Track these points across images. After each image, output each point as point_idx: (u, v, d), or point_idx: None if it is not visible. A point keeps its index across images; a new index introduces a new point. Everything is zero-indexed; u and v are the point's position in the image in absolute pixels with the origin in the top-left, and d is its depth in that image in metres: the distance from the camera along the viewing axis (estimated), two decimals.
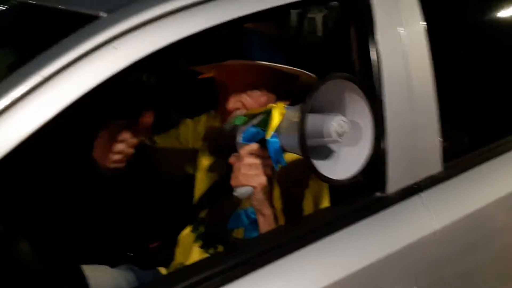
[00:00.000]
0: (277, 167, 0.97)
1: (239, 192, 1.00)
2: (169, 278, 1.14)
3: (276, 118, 0.95)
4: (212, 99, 1.32)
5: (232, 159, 1.03)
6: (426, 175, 1.06)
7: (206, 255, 1.25)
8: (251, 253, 0.95)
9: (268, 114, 0.97)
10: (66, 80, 0.77)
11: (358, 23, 1.06)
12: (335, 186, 1.03)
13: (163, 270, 1.46)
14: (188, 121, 1.39)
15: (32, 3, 1.12)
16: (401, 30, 1.05)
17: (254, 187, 0.98)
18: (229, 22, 0.90)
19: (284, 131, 0.94)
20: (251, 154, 0.99)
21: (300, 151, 0.87)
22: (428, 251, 1.02)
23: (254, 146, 0.99)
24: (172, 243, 1.49)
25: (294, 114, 0.92)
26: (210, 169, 1.35)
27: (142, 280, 1.42)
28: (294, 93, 1.15)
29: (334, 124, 0.88)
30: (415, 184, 1.05)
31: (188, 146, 1.38)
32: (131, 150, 1.08)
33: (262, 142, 0.98)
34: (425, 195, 1.05)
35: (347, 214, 0.99)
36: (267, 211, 1.03)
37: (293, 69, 1.11)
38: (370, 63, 1.02)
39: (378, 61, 1.01)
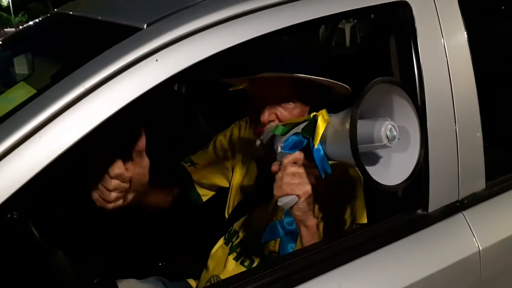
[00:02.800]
0: (323, 175, 0.93)
1: (283, 201, 0.97)
2: None
3: (322, 126, 0.92)
4: (241, 110, 1.32)
5: (274, 168, 1.00)
6: (469, 192, 1.03)
7: (242, 267, 1.23)
8: (289, 269, 0.93)
9: (312, 122, 0.95)
10: (108, 92, 0.76)
11: (399, 34, 1.04)
12: (385, 193, 0.99)
13: (192, 282, 1.45)
14: (220, 134, 1.38)
15: (73, 14, 1.13)
16: (443, 40, 1.02)
17: (298, 196, 0.96)
18: (266, 35, 0.89)
19: (330, 139, 0.92)
20: (295, 162, 0.96)
21: (350, 158, 0.84)
22: (471, 271, 0.98)
23: (297, 154, 0.96)
24: (200, 255, 1.49)
25: (340, 120, 0.90)
26: (244, 180, 1.34)
27: None
28: (326, 104, 1.13)
29: (384, 128, 0.85)
30: (458, 202, 1.02)
31: (226, 158, 1.36)
32: (126, 185, 0.94)
33: (304, 151, 0.96)
34: (468, 213, 1.02)
35: (387, 231, 0.96)
36: (311, 221, 1.00)
37: (327, 80, 1.09)
38: (413, 74, 0.99)
39: (419, 71, 0.99)
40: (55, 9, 1.47)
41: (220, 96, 1.37)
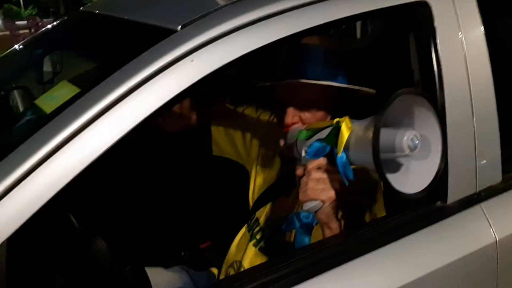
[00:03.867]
0: (347, 182, 0.97)
1: (308, 206, 1.01)
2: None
3: (345, 134, 0.96)
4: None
5: (299, 172, 1.05)
6: (486, 185, 1.07)
7: (260, 254, 1.29)
8: (309, 260, 0.97)
9: (336, 129, 0.98)
10: (149, 91, 0.82)
11: (418, 32, 1.07)
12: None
13: (215, 271, 1.51)
14: (252, 109, 1.43)
15: (104, 14, 1.18)
16: (461, 36, 1.05)
17: (323, 201, 1.00)
18: (294, 35, 0.93)
19: (353, 146, 0.95)
20: (319, 168, 1.00)
21: (372, 165, 0.87)
22: (489, 261, 1.02)
23: (322, 161, 1.00)
24: (221, 244, 1.54)
25: (363, 128, 0.93)
26: (267, 171, 1.39)
27: (196, 281, 1.47)
28: (349, 107, 1.17)
29: (407, 138, 0.88)
30: (476, 194, 1.06)
31: (246, 135, 1.42)
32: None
33: (328, 157, 1.00)
34: (485, 205, 1.06)
35: (408, 223, 1.01)
36: (334, 225, 1.04)
37: (351, 86, 1.13)
38: (432, 71, 1.03)
39: (439, 69, 1.02)
40: (81, 7, 1.52)
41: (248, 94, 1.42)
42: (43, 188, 0.73)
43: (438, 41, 1.03)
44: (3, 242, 0.70)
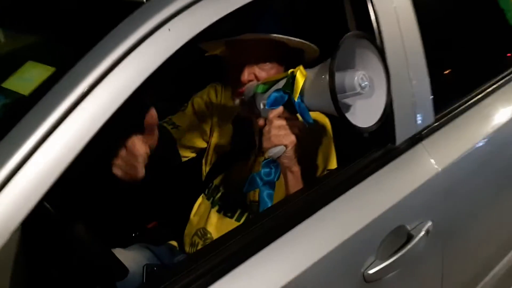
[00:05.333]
0: (307, 125, 1.06)
1: (273, 152, 1.08)
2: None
3: (300, 81, 1.03)
4: (215, 75, 1.39)
5: (261, 122, 1.11)
6: (424, 125, 1.22)
7: (226, 218, 1.35)
8: (276, 220, 1.02)
9: (291, 78, 1.05)
10: (132, 63, 0.82)
11: None
12: (360, 134, 1.09)
13: (174, 243, 1.54)
14: (197, 96, 1.46)
15: None
16: None
17: (286, 145, 1.07)
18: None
19: (309, 91, 1.03)
20: (279, 116, 1.07)
21: (330, 106, 0.96)
22: (435, 189, 1.18)
23: (281, 109, 1.07)
24: (174, 219, 1.56)
25: (316, 74, 1.01)
26: (221, 140, 1.43)
27: (159, 254, 1.48)
28: (297, 64, 1.26)
29: (357, 78, 0.99)
30: (417, 134, 1.21)
31: (204, 120, 1.45)
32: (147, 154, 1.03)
33: (286, 105, 1.07)
34: (425, 143, 1.21)
35: (367, 165, 1.12)
36: (296, 168, 1.13)
37: (301, 41, 1.21)
38: (372, 29, 1.13)
39: (378, 26, 1.13)
40: None
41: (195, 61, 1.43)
42: (48, 167, 0.71)
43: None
44: (17, 228, 0.68)
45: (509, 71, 1.52)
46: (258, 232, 0.99)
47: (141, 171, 1.01)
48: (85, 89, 0.77)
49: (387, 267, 1.05)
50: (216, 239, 1.16)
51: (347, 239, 1.03)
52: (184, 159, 1.46)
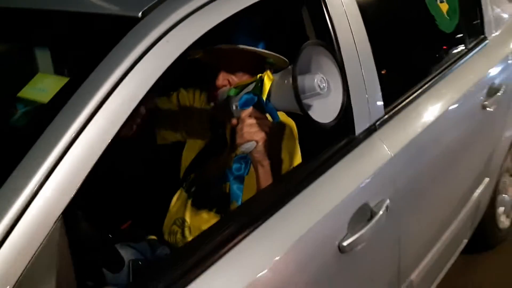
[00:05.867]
0: (275, 121, 1.22)
1: (244, 147, 1.22)
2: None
3: (268, 83, 1.19)
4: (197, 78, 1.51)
5: (234, 121, 1.25)
6: (376, 118, 1.42)
7: (202, 209, 1.47)
8: (253, 213, 1.14)
9: (260, 81, 1.20)
10: (139, 73, 0.93)
11: (313, 6, 1.33)
12: (321, 129, 1.26)
13: (153, 237, 1.63)
14: (183, 90, 1.58)
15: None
16: (343, 6, 1.34)
17: (256, 141, 1.22)
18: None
19: (276, 93, 1.18)
20: (250, 116, 1.21)
21: (294, 105, 1.11)
22: (391, 170, 1.38)
23: (251, 109, 1.21)
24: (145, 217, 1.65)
25: (282, 78, 1.17)
26: (195, 142, 1.56)
27: (141, 250, 1.57)
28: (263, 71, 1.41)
29: (317, 80, 1.15)
30: (372, 125, 1.40)
31: (186, 112, 1.57)
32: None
33: (255, 106, 1.21)
34: (379, 133, 1.41)
35: (334, 153, 1.30)
36: (266, 162, 1.27)
37: (272, 54, 1.36)
38: (330, 37, 1.31)
39: (335, 34, 1.31)
40: None
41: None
42: (84, 158, 0.82)
43: (330, 11, 1.32)
44: (59, 216, 0.78)
45: (440, 69, 1.77)
46: (245, 219, 1.12)
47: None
48: (105, 93, 0.88)
49: (358, 239, 1.22)
50: (217, 222, 1.28)
51: (322, 218, 1.19)
52: (159, 142, 1.58)
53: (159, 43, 0.98)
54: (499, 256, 2.49)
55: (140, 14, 1.03)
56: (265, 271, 1.06)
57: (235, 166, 1.32)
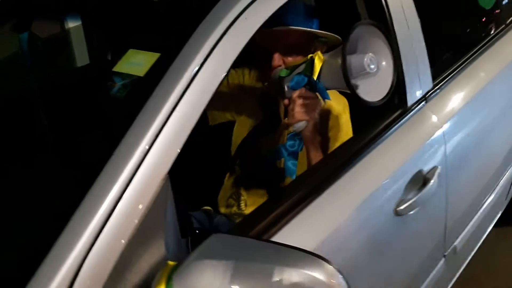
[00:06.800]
0: (325, 102, 1.29)
1: (297, 126, 1.29)
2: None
3: (318, 64, 1.24)
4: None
5: (286, 102, 1.32)
6: (426, 90, 1.49)
7: (256, 185, 1.56)
8: (312, 184, 1.20)
9: (310, 62, 1.25)
10: (222, 50, 1.01)
11: None
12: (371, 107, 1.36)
13: (208, 208, 1.73)
14: (233, 70, 1.64)
15: None
16: None
17: (308, 120, 1.29)
18: None
19: (326, 73, 1.23)
20: (301, 96, 1.28)
21: (343, 85, 1.17)
22: (440, 140, 1.46)
23: (303, 90, 1.28)
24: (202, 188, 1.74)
25: (332, 58, 1.22)
26: (250, 115, 1.64)
27: (199, 220, 1.67)
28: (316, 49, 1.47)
29: (366, 59, 1.20)
30: (422, 97, 1.47)
31: (236, 91, 1.64)
32: None
33: (306, 86, 1.27)
34: (428, 105, 1.48)
35: (388, 125, 1.37)
36: (317, 140, 1.35)
37: (326, 33, 1.43)
38: (384, 15, 1.38)
39: (389, 12, 1.38)
40: None
41: None
42: (188, 114, 0.92)
43: None
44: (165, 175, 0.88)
45: (482, 44, 1.83)
46: (305, 189, 1.19)
47: None
48: (195, 68, 0.96)
49: (412, 204, 1.31)
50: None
51: (380, 187, 1.28)
52: (211, 123, 1.65)
53: (238, 20, 1.06)
54: None
55: None
56: (333, 230, 1.15)
57: (289, 143, 1.39)
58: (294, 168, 1.37)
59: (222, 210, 1.64)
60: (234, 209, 1.61)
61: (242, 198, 1.60)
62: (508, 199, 2.29)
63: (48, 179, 1.00)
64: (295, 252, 0.79)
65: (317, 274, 0.76)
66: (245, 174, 1.61)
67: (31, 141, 1.17)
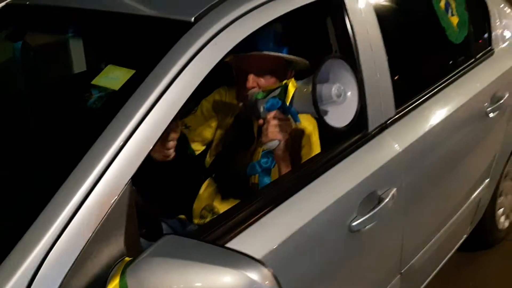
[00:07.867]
0: (296, 124, 1.42)
1: (269, 145, 1.42)
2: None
3: (291, 90, 1.38)
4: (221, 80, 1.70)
5: (260, 122, 1.45)
6: (387, 117, 1.60)
7: (230, 199, 1.65)
8: (272, 194, 1.33)
9: (284, 87, 1.39)
10: (189, 72, 1.12)
11: (337, 17, 1.53)
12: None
13: (183, 216, 1.82)
14: (205, 99, 1.78)
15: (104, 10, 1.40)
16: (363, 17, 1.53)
17: (280, 139, 1.41)
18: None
19: (298, 98, 1.37)
20: (275, 117, 1.40)
21: (313, 111, 1.30)
22: (397, 164, 1.57)
23: (276, 112, 1.40)
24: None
25: (304, 86, 1.36)
26: (224, 135, 1.75)
27: (174, 227, 1.76)
28: (289, 75, 1.60)
29: (334, 89, 1.33)
30: (383, 123, 1.58)
31: (211, 118, 1.77)
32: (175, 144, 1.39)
33: (280, 109, 1.39)
34: (388, 131, 1.59)
35: (349, 146, 1.48)
36: (287, 158, 1.46)
37: (295, 58, 1.55)
38: (350, 48, 1.50)
39: (355, 45, 1.50)
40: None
41: None
42: (153, 127, 1.02)
43: (352, 23, 1.51)
44: (129, 181, 0.99)
45: (448, 77, 1.95)
46: (265, 199, 1.30)
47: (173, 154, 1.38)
48: (165, 85, 1.08)
49: (365, 220, 1.41)
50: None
51: (335, 201, 1.38)
52: (197, 152, 1.77)
53: (208, 45, 1.17)
54: (497, 255, 2.66)
55: (192, 19, 1.22)
56: (283, 241, 1.24)
57: (263, 160, 1.52)
58: (268, 182, 1.49)
59: (196, 220, 1.74)
60: (208, 220, 1.71)
61: (215, 210, 1.70)
62: (474, 224, 2.40)
63: (24, 176, 1.11)
64: (236, 255, 0.89)
65: (253, 275, 0.86)
66: (220, 188, 1.71)
67: (14, 140, 1.29)
